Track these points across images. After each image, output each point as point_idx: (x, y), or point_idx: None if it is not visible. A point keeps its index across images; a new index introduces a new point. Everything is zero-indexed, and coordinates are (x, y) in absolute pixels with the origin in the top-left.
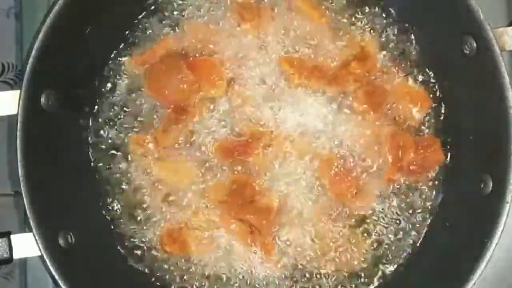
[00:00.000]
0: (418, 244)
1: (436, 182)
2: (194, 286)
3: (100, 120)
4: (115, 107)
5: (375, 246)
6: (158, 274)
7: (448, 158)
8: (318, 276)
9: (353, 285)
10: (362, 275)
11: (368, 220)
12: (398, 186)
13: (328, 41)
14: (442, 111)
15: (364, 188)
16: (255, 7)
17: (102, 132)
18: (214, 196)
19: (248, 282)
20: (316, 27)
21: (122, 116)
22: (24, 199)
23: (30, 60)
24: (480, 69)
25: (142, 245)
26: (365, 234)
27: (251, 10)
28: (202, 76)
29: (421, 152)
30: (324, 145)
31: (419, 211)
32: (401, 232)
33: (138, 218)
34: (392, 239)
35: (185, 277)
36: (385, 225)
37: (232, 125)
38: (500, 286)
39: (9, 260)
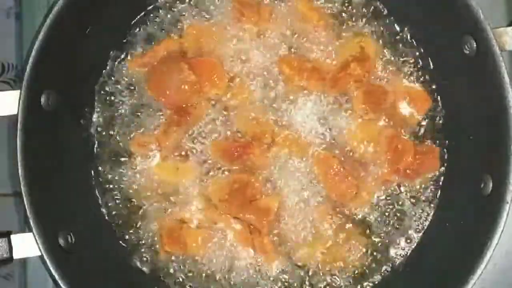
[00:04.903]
0: (417, 245)
1: (436, 182)
2: (193, 285)
3: (100, 120)
4: (116, 108)
5: (374, 246)
6: (158, 274)
7: (448, 158)
8: (317, 275)
9: (352, 285)
10: (361, 275)
11: (367, 220)
12: (397, 187)
13: (328, 42)
14: (442, 111)
15: (364, 188)
16: (255, 4)
17: (102, 132)
18: (214, 195)
19: (248, 281)
20: (315, 28)
21: (122, 117)
22: (24, 199)
23: (30, 60)
24: (480, 69)
25: (142, 245)
26: (365, 234)
27: (251, 8)
28: (203, 76)
29: (418, 158)
30: (324, 145)
31: (418, 211)
32: (400, 232)
33: (138, 218)
34: (391, 239)
35: (185, 277)
36: (385, 226)
37: (233, 126)
38: (500, 286)
39: (9, 260)
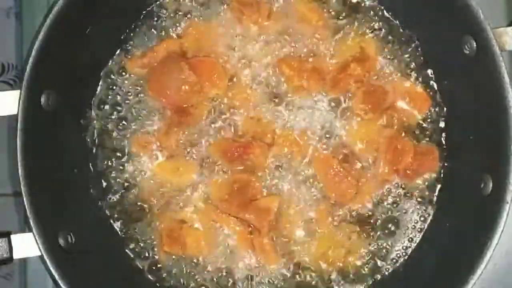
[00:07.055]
0: (417, 245)
1: (436, 183)
2: (193, 285)
3: (101, 120)
4: (116, 108)
5: (374, 246)
6: (158, 274)
7: (448, 159)
8: (317, 275)
9: (352, 285)
10: (361, 274)
11: (367, 220)
12: (397, 187)
13: (328, 43)
14: (442, 111)
15: (364, 188)
16: (255, 3)
17: (103, 132)
18: (214, 195)
19: (248, 281)
20: (315, 29)
21: (123, 117)
22: (24, 199)
23: (30, 60)
24: (480, 69)
25: (142, 245)
26: (364, 234)
27: (251, 7)
28: (203, 76)
29: (418, 158)
30: (323, 145)
31: (418, 211)
32: (400, 232)
33: (139, 218)
34: (391, 239)
35: (184, 277)
36: (384, 225)
37: (233, 126)
38: (500, 286)
39: (9, 260)
